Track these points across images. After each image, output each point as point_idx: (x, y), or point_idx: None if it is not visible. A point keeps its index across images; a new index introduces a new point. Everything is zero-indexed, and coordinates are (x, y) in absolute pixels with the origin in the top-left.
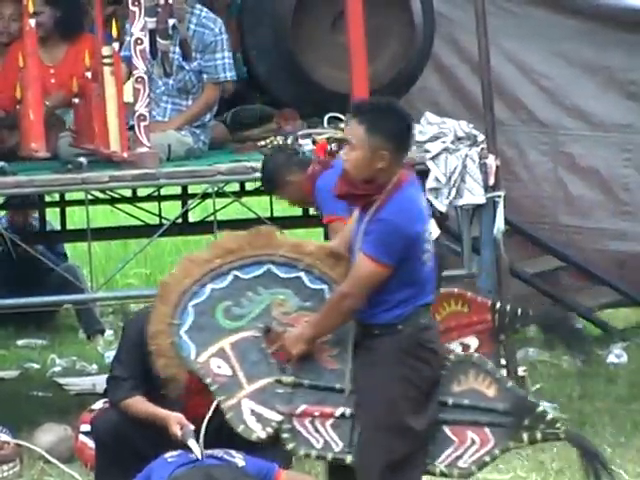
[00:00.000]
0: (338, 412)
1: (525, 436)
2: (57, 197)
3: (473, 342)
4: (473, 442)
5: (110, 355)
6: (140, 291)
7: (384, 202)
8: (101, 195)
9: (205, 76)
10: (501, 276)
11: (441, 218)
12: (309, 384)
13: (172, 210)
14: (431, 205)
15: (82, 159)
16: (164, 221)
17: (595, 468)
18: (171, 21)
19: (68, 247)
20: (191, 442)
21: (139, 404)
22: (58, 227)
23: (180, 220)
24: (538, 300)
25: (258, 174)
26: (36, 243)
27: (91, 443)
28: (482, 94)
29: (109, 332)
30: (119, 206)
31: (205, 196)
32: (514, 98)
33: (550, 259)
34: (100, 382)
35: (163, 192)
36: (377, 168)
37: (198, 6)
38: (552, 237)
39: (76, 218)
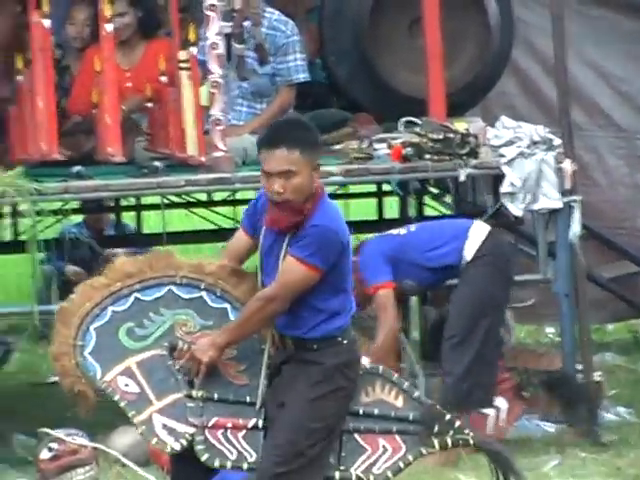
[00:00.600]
0: (250, 424)
1: (436, 442)
2: (133, 201)
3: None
4: (385, 449)
5: None
6: None
7: (313, 210)
8: (176, 199)
9: (278, 79)
10: (577, 281)
11: (516, 222)
12: (219, 397)
13: None
14: (506, 209)
15: (158, 163)
16: (239, 225)
17: (505, 472)
18: (246, 25)
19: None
20: None
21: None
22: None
23: None
24: (614, 305)
25: (334, 178)
26: (113, 247)
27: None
28: (558, 98)
29: None
30: (194, 210)
31: None
32: (591, 102)
33: (627, 264)
34: None
35: (238, 196)
36: (313, 182)
37: (269, 9)
38: (629, 242)
39: (152, 222)
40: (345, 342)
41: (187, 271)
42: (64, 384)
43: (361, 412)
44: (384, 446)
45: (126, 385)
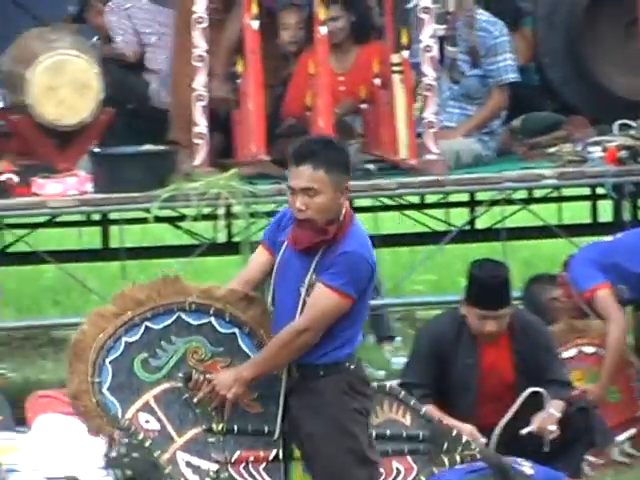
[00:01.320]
0: (271, 455)
1: (446, 459)
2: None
3: None
4: (399, 472)
5: (397, 362)
6: (427, 298)
7: (342, 235)
8: (389, 202)
9: (490, 80)
10: None
11: None
12: (239, 429)
13: (459, 217)
14: None
15: (371, 166)
16: (451, 228)
17: None
18: (458, 27)
19: None
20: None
21: (431, 413)
22: None
23: (467, 227)
24: None
25: (547, 181)
26: None
27: None
28: None
29: (398, 338)
30: (407, 212)
31: (493, 203)
32: None
33: None
34: None
35: (451, 199)
36: (339, 204)
37: (479, 10)
38: None
39: (364, 224)
40: (352, 367)
41: (196, 296)
42: (90, 426)
43: (374, 434)
44: (397, 468)
45: (147, 422)
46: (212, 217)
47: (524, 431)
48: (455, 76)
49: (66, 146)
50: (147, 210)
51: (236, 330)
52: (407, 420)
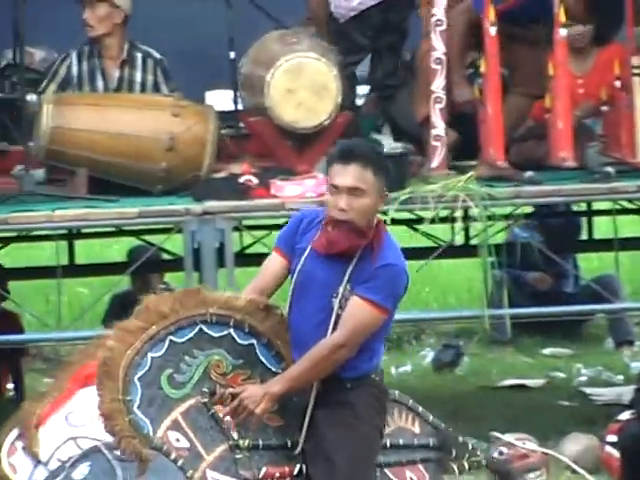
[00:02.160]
0: (296, 470)
1: (455, 466)
2: (584, 206)
3: None
4: None
5: (636, 366)
6: None
7: (380, 245)
8: (628, 205)
9: None
10: None
11: None
12: (264, 444)
13: None
14: None
15: (610, 169)
16: None
17: None
18: None
19: (594, 257)
20: None
21: None
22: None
23: None
24: None
25: None
26: (564, 252)
27: (617, 454)
28: None
29: (638, 343)
30: None
31: None
32: None
33: None
34: (626, 393)
35: None
36: (377, 211)
37: None
38: None
39: (603, 228)
40: (377, 378)
41: (217, 308)
42: (126, 447)
43: (388, 444)
44: (411, 477)
45: (177, 440)
46: (449, 220)
47: None
48: None
49: (304, 148)
50: (384, 212)
51: (254, 341)
52: (416, 428)
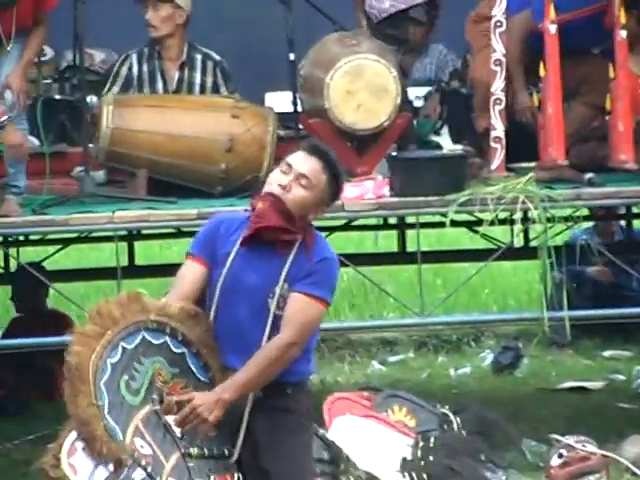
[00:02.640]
0: (236, 478)
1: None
2: None
3: None
4: None
5: None
6: None
7: (313, 241)
8: None
9: None
10: None
11: None
12: (208, 453)
13: None
14: None
15: None
16: None
17: None
18: None
19: None
20: None
21: None
22: None
23: None
24: None
25: None
26: (623, 254)
27: None
28: None
29: None
30: None
31: None
32: None
33: None
34: None
35: None
36: (310, 215)
37: None
38: None
39: None
40: (310, 387)
41: (155, 314)
42: (108, 453)
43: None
44: None
45: (142, 447)
46: (509, 222)
47: None
48: None
49: (364, 150)
50: (444, 214)
51: (185, 350)
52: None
